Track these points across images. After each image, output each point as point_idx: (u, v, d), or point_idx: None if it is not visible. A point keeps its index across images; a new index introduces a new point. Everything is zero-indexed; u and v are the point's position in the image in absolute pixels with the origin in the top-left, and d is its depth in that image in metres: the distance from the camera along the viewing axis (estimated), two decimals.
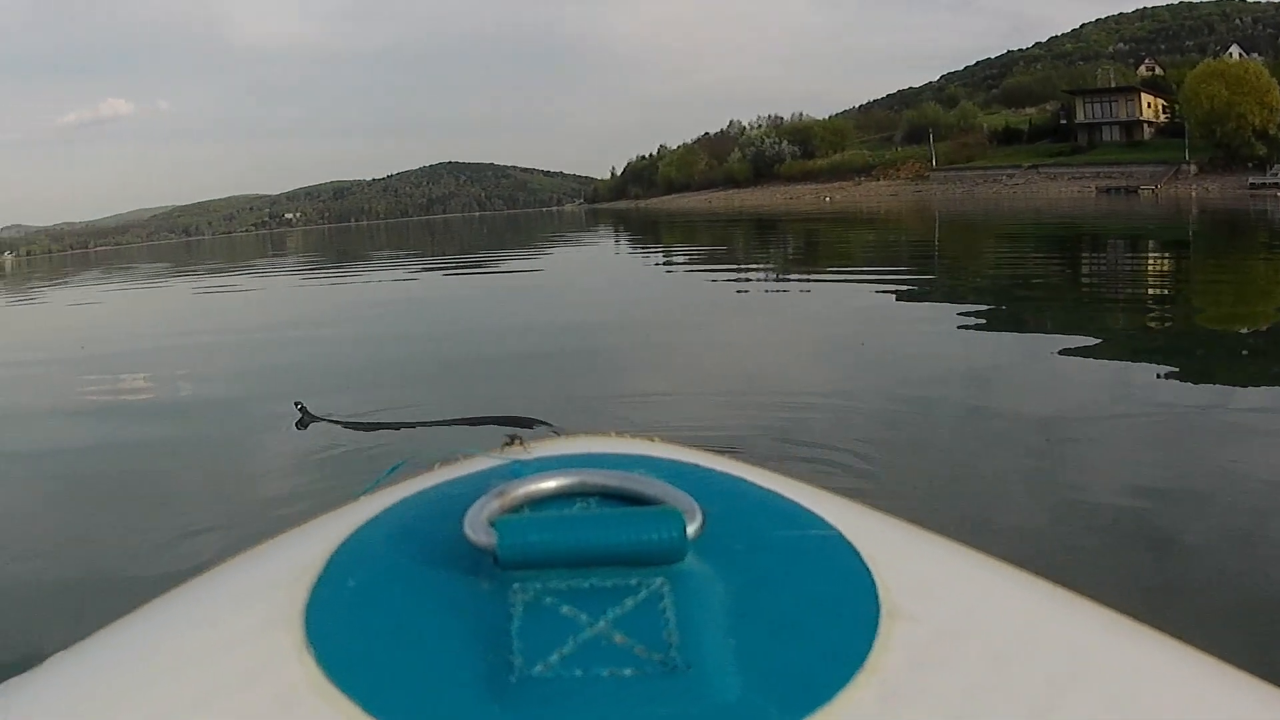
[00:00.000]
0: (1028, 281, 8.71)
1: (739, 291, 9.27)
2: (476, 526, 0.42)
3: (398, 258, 21.00)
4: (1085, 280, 9.23)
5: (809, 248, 16.60)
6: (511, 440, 0.55)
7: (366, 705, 0.35)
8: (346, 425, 3.43)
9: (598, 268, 14.74)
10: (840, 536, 0.44)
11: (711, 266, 12.44)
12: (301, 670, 0.37)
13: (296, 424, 3.66)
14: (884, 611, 0.39)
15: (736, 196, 60.37)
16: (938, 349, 4.98)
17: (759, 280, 10.62)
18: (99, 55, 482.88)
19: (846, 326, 6.06)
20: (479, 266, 15.43)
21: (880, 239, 17.69)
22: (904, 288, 8.32)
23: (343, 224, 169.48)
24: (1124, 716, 0.36)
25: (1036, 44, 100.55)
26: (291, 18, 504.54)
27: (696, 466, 0.52)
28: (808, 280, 10.03)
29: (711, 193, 70.07)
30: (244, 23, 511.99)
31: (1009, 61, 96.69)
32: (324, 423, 3.57)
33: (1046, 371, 4.32)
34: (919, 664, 0.37)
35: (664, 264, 14.33)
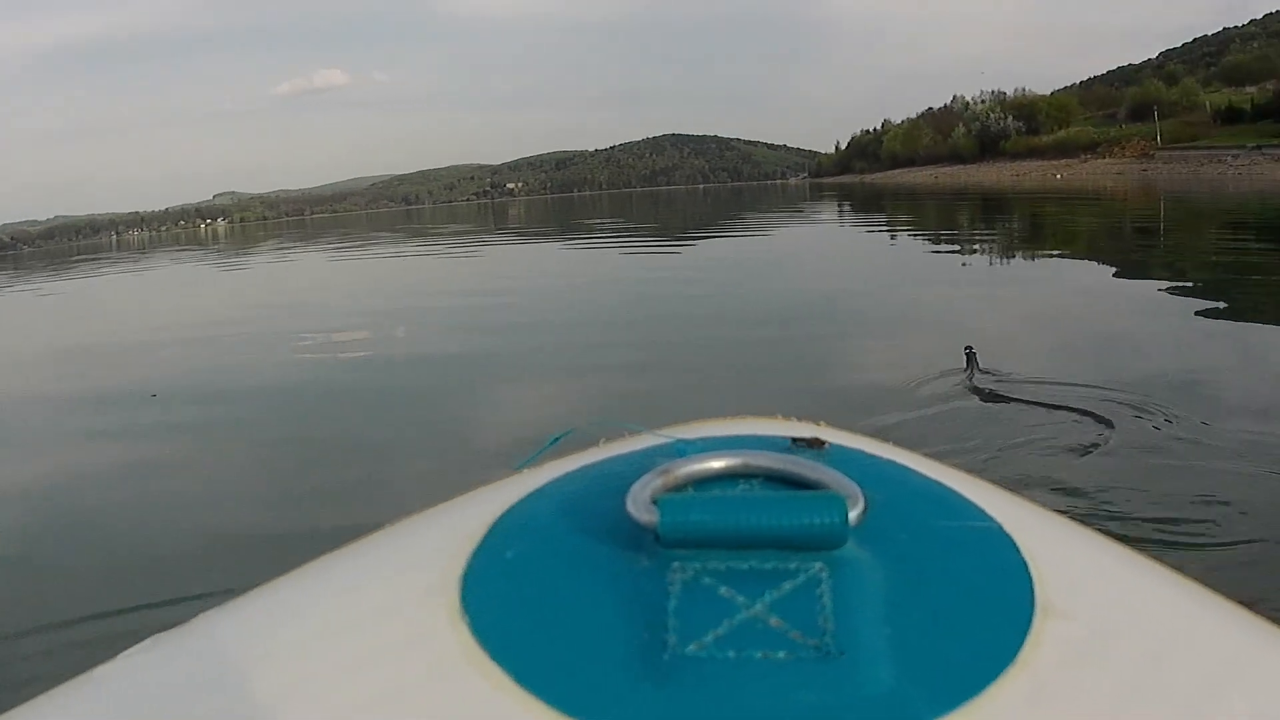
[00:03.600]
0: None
1: (963, 265, 9.65)
2: (639, 503, 0.42)
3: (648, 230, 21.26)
4: None
5: (1062, 228, 15.13)
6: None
7: (517, 675, 0.35)
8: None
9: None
10: (1000, 529, 0.45)
11: (949, 245, 12.37)
12: (454, 637, 0.38)
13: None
14: (1038, 608, 0.39)
15: (963, 172, 59.28)
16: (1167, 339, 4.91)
17: (987, 256, 10.62)
18: (311, 25, 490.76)
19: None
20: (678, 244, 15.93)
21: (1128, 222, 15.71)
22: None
23: (565, 194, 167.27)
24: None
25: (1252, 21, 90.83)
26: None
27: (861, 452, 0.53)
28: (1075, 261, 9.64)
29: (937, 168, 68.33)
30: None
31: (1226, 39, 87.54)
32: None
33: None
34: (1070, 663, 0.36)
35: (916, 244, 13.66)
